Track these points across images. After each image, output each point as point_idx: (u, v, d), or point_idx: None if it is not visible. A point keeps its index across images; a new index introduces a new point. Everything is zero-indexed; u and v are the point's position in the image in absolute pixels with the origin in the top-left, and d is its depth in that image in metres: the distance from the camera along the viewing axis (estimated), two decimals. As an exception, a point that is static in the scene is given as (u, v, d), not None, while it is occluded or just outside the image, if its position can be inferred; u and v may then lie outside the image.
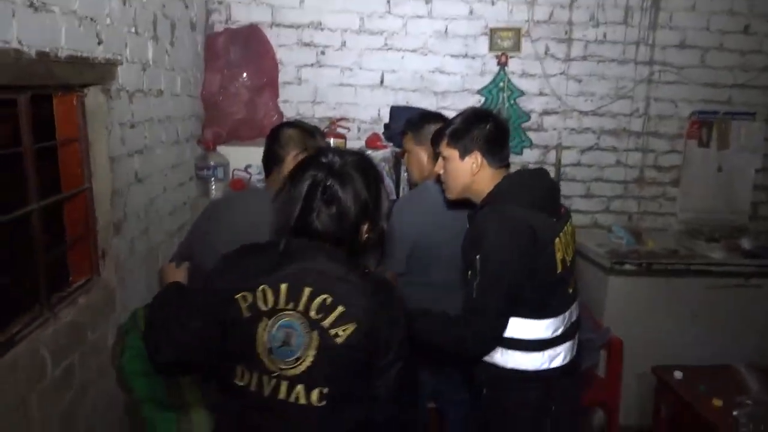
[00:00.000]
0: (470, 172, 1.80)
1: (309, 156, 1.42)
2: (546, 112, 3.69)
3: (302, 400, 1.30)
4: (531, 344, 1.73)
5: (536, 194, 1.74)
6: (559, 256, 1.71)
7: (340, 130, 3.48)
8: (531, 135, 3.70)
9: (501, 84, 3.62)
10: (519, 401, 1.77)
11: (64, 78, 1.78)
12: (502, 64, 3.59)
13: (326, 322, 1.29)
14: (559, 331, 1.74)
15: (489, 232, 1.66)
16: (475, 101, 3.61)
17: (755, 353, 3.11)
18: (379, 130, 3.52)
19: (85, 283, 2.03)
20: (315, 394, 1.30)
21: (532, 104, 3.67)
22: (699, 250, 3.40)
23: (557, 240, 1.71)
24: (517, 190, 1.74)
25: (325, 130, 3.35)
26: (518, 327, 1.72)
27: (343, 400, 1.33)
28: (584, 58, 3.65)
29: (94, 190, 2.04)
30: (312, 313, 1.29)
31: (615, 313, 3.15)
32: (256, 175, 2.97)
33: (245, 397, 1.33)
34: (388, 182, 3.26)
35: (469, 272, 1.69)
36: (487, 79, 3.61)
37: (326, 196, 1.32)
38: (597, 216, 3.84)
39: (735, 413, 1.95)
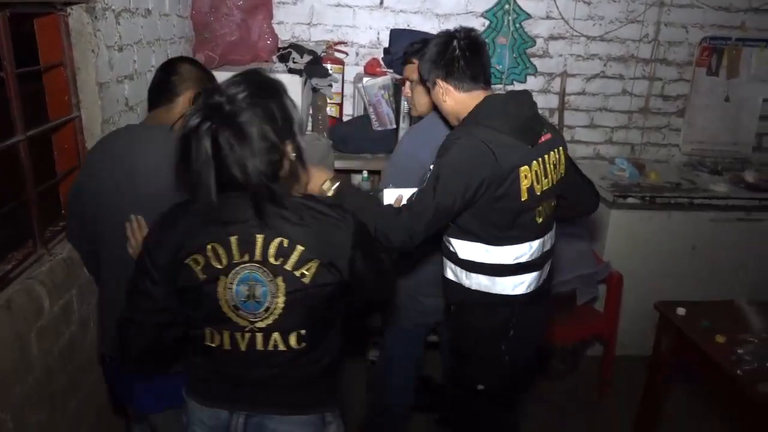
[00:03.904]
0: (441, 100, 1.81)
1: (194, 110, 1.20)
2: (552, 37, 3.53)
3: (281, 347, 1.29)
4: (492, 268, 1.76)
5: (510, 120, 1.70)
6: (525, 183, 1.69)
7: (337, 55, 3.32)
8: (536, 62, 3.55)
9: (506, 6, 3.43)
10: (479, 322, 1.83)
11: (44, -5, 1.63)
12: (509, -16, 3.40)
13: (288, 265, 1.23)
14: (523, 259, 1.76)
15: (450, 149, 1.67)
16: (479, 25, 3.43)
17: (756, 288, 3.15)
18: (379, 54, 3.36)
19: (79, 217, 1.95)
20: (293, 339, 1.29)
21: (538, 28, 3.50)
22: (702, 183, 3.36)
23: (525, 167, 1.68)
24: (490, 114, 1.71)
25: (322, 55, 3.21)
26: (479, 251, 1.75)
27: (322, 335, 1.34)
28: (595, -23, 3.45)
29: (83, 119, 1.93)
30: (271, 260, 1.23)
31: (616, 247, 3.14)
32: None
33: (221, 356, 1.30)
34: (387, 111, 3.15)
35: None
36: (492, 1, 3.42)
37: (235, 148, 1.16)
38: (599, 147, 3.76)
39: (740, 351, 1.96)
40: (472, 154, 1.64)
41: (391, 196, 1.72)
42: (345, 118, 3.39)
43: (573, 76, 3.60)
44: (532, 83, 3.59)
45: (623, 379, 3.09)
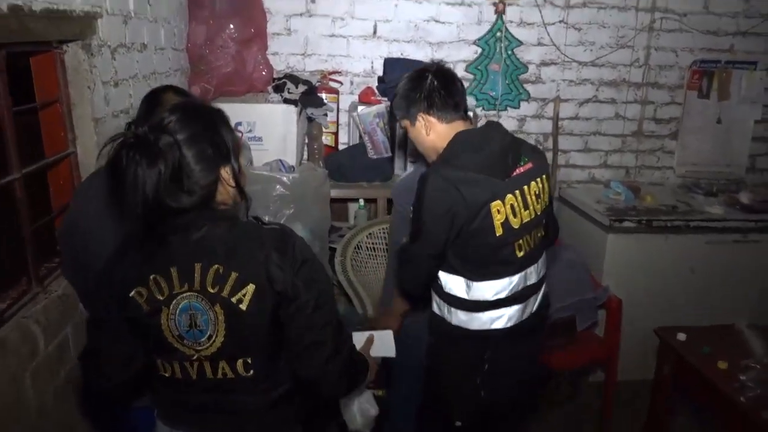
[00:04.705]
0: (425, 135, 1.78)
1: (121, 138, 1.17)
2: (544, 63, 3.57)
3: (230, 374, 1.29)
4: (473, 304, 1.75)
5: (478, 157, 1.68)
6: (498, 219, 1.67)
7: (332, 84, 3.35)
8: (528, 87, 3.58)
9: (498, 34, 3.47)
10: (454, 356, 1.83)
11: (40, 33, 1.64)
12: (500, 13, 3.44)
13: (225, 292, 1.23)
14: (503, 294, 1.74)
15: (422, 191, 1.68)
16: (471, 52, 3.47)
17: (755, 310, 3.14)
18: (373, 83, 3.39)
19: (74, 253, 1.93)
20: (240, 366, 1.29)
21: (530, 55, 3.54)
22: (697, 206, 3.36)
23: (497, 203, 1.66)
24: (457, 153, 1.70)
25: (317, 84, 3.23)
26: (461, 286, 1.75)
27: (272, 362, 1.33)
28: (584, 5, 3.50)
29: (79, 155, 1.93)
30: (209, 288, 1.23)
31: (614, 271, 3.13)
32: (248, 133, 2.84)
33: (176, 384, 1.33)
34: (382, 139, 3.16)
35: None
36: (483, 29, 3.46)
37: (149, 174, 1.12)
38: (594, 171, 3.78)
39: (743, 377, 1.94)
40: (441, 196, 1.65)
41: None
42: (341, 147, 3.40)
43: (566, 101, 3.63)
44: (526, 109, 3.62)
45: (626, 404, 3.06)
